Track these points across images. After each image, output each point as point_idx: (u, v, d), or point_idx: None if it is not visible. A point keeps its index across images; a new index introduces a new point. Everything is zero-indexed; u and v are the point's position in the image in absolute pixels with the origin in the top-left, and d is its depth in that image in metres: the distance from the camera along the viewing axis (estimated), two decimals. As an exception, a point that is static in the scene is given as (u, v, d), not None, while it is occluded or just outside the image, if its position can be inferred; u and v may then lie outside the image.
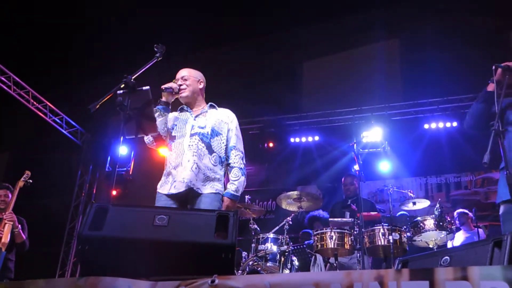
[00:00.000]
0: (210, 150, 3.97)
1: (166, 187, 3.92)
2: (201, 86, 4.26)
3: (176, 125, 4.09)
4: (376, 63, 9.44)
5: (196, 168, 3.85)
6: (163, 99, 4.05)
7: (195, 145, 3.93)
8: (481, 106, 3.69)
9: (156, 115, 3.95)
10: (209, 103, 4.23)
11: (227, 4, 8.70)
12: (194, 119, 4.09)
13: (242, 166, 4.05)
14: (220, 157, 4.03)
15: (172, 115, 4.18)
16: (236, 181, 3.97)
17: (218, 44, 9.26)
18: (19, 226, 6.25)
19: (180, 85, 4.12)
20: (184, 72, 4.20)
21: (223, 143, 4.07)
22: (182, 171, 3.85)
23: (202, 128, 4.02)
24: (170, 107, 4.11)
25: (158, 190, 3.99)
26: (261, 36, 9.21)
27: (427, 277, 1.79)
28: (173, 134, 4.08)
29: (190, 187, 3.80)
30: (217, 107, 4.24)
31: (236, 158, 4.05)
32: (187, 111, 4.18)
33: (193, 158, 3.88)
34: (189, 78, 4.17)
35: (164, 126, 4.02)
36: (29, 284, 2.19)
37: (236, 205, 4.02)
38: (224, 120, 4.14)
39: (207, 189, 3.86)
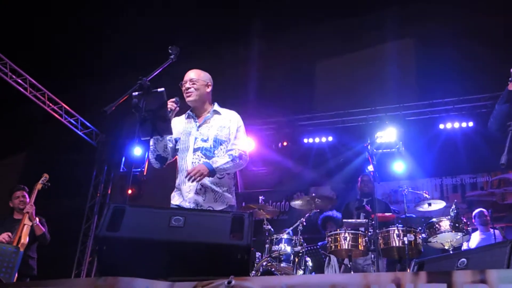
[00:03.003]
0: None
1: (177, 200, 3.84)
2: (209, 89, 4.05)
3: (180, 138, 3.95)
4: (390, 62, 9.38)
5: (201, 189, 3.74)
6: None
7: (197, 162, 3.78)
8: (504, 107, 3.64)
9: (152, 142, 3.86)
10: (213, 108, 4.02)
11: (240, 3, 8.71)
12: (197, 129, 3.92)
13: (236, 154, 3.82)
14: None
15: (177, 123, 4.01)
16: (221, 159, 3.78)
17: (230, 44, 9.26)
18: (37, 219, 6.29)
19: (188, 88, 3.94)
20: (192, 75, 4.00)
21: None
22: (188, 191, 3.76)
23: (205, 141, 3.86)
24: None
25: (171, 201, 3.89)
26: (274, 36, 9.21)
27: (445, 280, 1.78)
28: (177, 147, 3.97)
29: (201, 206, 3.72)
30: (220, 112, 4.03)
31: (233, 149, 3.86)
32: (192, 118, 4.01)
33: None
34: (197, 81, 3.96)
35: (164, 149, 3.90)
36: (50, 283, 2.21)
37: (206, 172, 3.65)
38: (225, 125, 3.95)
39: (219, 206, 3.76)
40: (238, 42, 9.27)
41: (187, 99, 3.96)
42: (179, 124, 4.02)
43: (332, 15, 8.84)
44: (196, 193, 3.74)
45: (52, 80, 9.94)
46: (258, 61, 9.57)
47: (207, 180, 3.74)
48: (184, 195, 3.78)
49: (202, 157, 3.80)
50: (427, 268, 2.78)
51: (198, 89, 3.96)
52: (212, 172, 3.69)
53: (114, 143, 11.74)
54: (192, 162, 3.80)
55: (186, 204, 3.75)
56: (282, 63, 9.76)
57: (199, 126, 3.94)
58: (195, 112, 4.04)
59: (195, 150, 3.85)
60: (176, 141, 3.97)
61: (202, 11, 8.59)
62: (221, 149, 3.88)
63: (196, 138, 3.89)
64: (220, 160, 3.78)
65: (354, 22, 8.85)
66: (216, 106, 4.06)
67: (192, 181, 3.64)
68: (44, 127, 10.97)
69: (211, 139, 3.88)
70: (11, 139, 10.72)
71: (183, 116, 4.08)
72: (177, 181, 3.91)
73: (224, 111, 4.06)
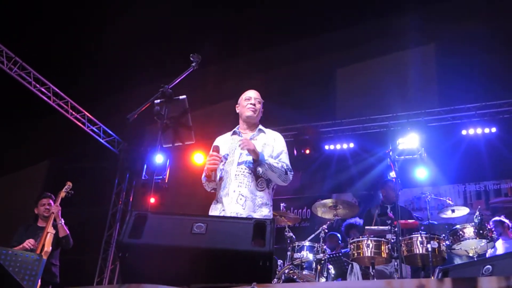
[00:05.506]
0: (256, 176, 3.91)
1: (216, 212, 3.89)
2: (261, 111, 4.29)
3: (228, 154, 4.04)
4: (411, 68, 9.30)
5: (241, 198, 3.80)
6: (207, 175, 3.95)
7: (241, 175, 3.88)
8: None
9: (205, 185, 4.08)
10: (258, 128, 4.21)
11: (261, 10, 8.73)
12: None
13: (286, 168, 3.98)
14: (266, 180, 3.97)
15: (224, 142, 4.14)
16: (274, 161, 3.93)
17: (252, 50, 9.28)
18: (62, 220, 6.28)
19: (254, 104, 4.16)
20: (256, 95, 4.25)
21: None
22: (230, 203, 3.81)
23: (250, 155, 3.92)
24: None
25: (210, 214, 3.93)
26: (294, 42, 9.20)
27: (470, 286, 1.75)
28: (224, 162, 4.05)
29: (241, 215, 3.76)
30: (265, 131, 4.22)
31: (284, 163, 4.01)
32: (238, 134, 4.17)
33: (238, 188, 3.83)
34: (259, 102, 4.23)
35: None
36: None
37: (254, 148, 3.87)
38: (269, 144, 4.09)
39: (258, 216, 3.78)
40: (259, 48, 9.29)
41: (249, 114, 4.15)
42: (225, 142, 4.15)
43: (352, 21, 8.81)
44: (237, 202, 3.79)
45: (75, 89, 10.07)
46: (278, 68, 9.57)
47: (247, 191, 3.83)
48: (226, 207, 3.82)
49: (245, 169, 3.91)
50: (452, 275, 2.74)
51: (258, 109, 4.21)
52: (260, 159, 3.87)
53: (136, 151, 11.82)
54: (236, 175, 3.90)
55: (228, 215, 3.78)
56: (303, 69, 9.75)
57: None
58: (242, 129, 4.23)
59: (239, 164, 3.94)
60: (225, 158, 4.05)
61: (224, 18, 8.63)
62: None
63: (241, 154, 3.98)
64: (272, 160, 3.94)
65: (374, 28, 8.80)
66: (260, 126, 4.25)
67: (240, 145, 3.88)
68: (67, 136, 11.11)
69: None
70: (34, 147, 10.89)
71: (228, 134, 4.25)
72: (219, 193, 3.95)
73: (268, 131, 4.25)
